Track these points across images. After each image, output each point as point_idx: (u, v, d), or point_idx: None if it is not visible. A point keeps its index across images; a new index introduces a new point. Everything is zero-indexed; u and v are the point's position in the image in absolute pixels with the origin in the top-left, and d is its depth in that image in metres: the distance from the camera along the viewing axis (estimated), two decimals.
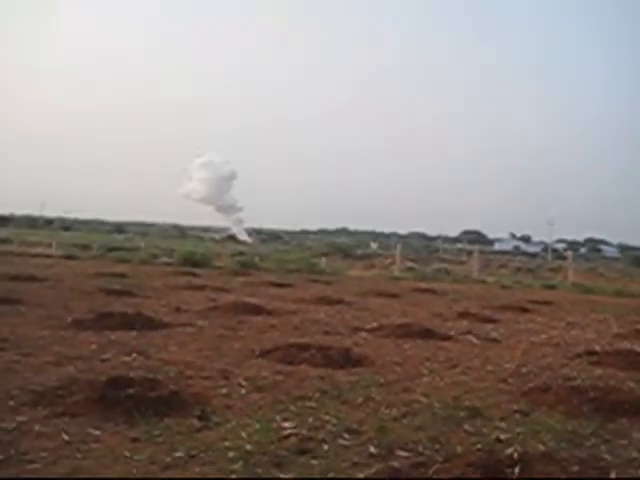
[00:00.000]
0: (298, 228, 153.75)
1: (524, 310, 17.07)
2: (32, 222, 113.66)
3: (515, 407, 6.57)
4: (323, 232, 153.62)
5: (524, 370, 8.61)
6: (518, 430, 5.76)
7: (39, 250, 36.38)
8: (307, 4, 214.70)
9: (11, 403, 5.82)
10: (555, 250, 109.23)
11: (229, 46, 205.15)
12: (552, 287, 29.16)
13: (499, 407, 6.56)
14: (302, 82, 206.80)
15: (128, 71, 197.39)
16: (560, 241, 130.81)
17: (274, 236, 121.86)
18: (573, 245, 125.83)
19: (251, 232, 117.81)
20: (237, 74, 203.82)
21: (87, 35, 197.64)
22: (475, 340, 11.32)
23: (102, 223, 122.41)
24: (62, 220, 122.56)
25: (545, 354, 10.15)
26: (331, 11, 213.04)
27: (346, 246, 70.70)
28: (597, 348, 10.74)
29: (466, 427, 5.81)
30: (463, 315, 14.78)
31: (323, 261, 37.20)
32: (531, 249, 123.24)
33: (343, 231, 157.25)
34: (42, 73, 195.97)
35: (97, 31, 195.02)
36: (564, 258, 58.96)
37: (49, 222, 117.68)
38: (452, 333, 11.94)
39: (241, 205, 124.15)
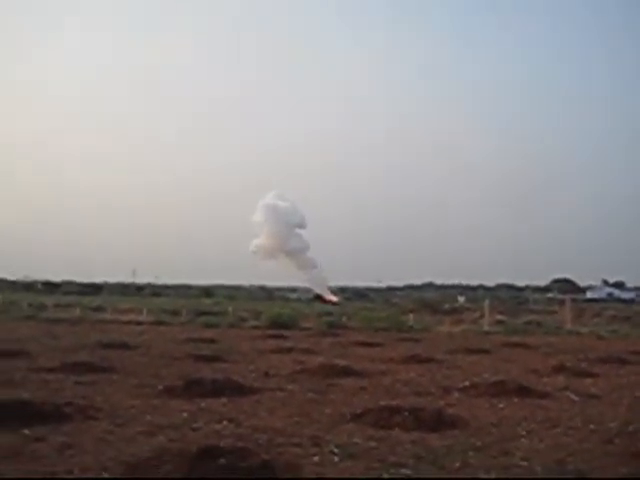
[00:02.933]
0: (384, 284, 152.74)
1: (624, 362, 16.32)
2: (124, 289, 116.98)
3: (625, 470, 6.16)
4: (409, 287, 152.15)
5: (631, 429, 8.14)
6: None
7: (131, 317, 37.33)
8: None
9: (105, 475, 5.83)
10: None
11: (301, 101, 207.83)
12: None
13: (607, 471, 6.16)
14: (383, 137, 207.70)
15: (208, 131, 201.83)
16: None
17: (360, 294, 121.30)
18: None
19: (336, 291, 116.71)
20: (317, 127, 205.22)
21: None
22: (574, 397, 10.84)
23: (190, 287, 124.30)
24: (152, 286, 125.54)
25: None
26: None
27: (433, 301, 69.85)
28: None
29: None
30: (559, 370, 14.22)
31: (411, 317, 36.77)
32: (626, 295, 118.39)
33: (429, 286, 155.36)
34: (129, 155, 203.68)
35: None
36: None
37: (140, 288, 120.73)
38: (549, 390, 11.49)
39: (313, 256, 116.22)
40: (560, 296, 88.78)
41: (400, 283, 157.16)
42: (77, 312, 40.25)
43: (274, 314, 33.44)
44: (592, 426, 8.35)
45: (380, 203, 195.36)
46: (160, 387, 10.94)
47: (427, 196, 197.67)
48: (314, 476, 5.91)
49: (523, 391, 10.94)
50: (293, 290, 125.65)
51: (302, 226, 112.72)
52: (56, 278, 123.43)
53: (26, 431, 7.38)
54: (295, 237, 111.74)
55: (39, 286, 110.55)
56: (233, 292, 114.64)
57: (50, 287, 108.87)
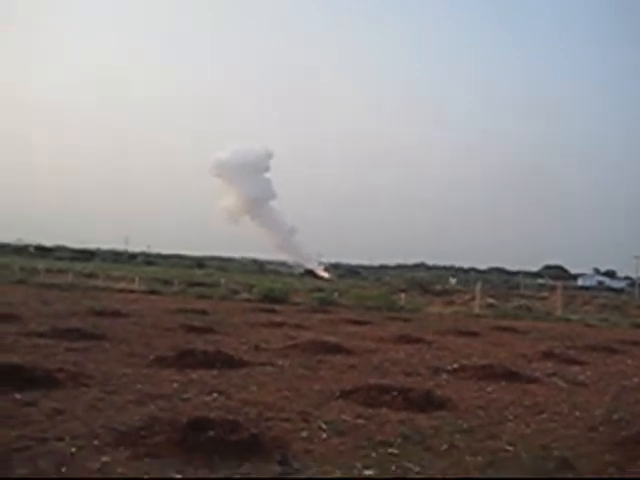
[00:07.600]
0: (376, 263, 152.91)
1: (612, 351, 16.41)
2: (116, 256, 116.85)
3: (608, 459, 6.23)
4: (401, 267, 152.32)
5: (616, 417, 8.23)
6: None
7: (123, 285, 37.33)
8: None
9: (95, 442, 5.88)
10: None
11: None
12: None
13: (591, 458, 6.23)
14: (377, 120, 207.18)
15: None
16: None
17: (352, 271, 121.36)
18: None
19: (329, 267, 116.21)
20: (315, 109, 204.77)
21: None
22: (562, 383, 10.94)
23: (183, 258, 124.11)
24: (145, 255, 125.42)
25: (638, 400, 9.70)
26: None
27: (425, 282, 69.89)
28: None
29: None
30: (547, 356, 14.32)
31: (402, 297, 36.83)
32: (616, 284, 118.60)
33: (421, 266, 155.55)
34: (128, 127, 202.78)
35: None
36: None
37: (133, 256, 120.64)
38: (537, 375, 11.58)
39: (301, 228, 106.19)
40: (551, 282, 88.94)
41: (392, 262, 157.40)
42: (69, 278, 40.21)
43: (266, 288, 33.50)
44: (578, 413, 8.44)
45: (377, 183, 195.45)
46: (152, 357, 10.98)
47: (424, 177, 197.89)
48: (302, 451, 5.96)
49: (511, 375, 11.02)
50: (284, 264, 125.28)
51: (267, 167, 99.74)
52: (49, 243, 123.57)
53: (17, 395, 7.43)
54: (258, 185, 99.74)
55: (31, 250, 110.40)
56: (225, 264, 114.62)
57: (42, 251, 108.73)
